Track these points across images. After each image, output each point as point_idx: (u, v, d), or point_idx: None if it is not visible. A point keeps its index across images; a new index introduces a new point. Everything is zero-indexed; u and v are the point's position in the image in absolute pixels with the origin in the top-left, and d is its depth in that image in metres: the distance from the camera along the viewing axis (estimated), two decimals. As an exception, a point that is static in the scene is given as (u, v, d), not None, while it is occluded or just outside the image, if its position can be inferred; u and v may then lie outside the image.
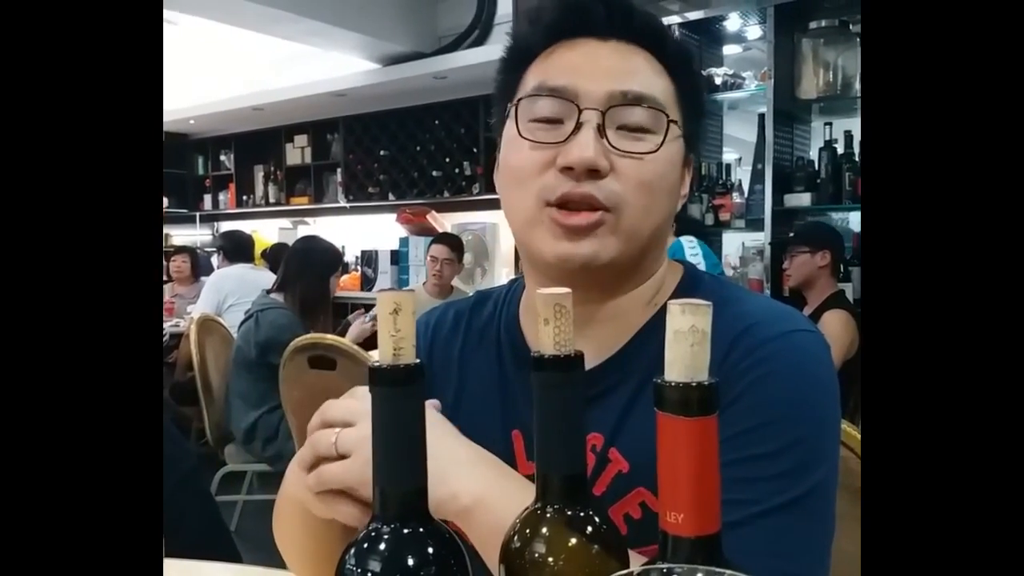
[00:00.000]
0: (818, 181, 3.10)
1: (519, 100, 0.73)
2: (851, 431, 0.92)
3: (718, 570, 0.37)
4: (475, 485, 0.60)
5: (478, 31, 4.64)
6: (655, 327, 0.75)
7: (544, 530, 0.45)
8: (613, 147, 0.69)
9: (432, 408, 0.66)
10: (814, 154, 3.23)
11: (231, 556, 1.48)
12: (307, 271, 2.87)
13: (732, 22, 3.36)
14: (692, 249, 2.74)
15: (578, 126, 0.69)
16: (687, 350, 0.38)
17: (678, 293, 0.77)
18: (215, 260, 4.82)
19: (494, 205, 5.10)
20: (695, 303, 0.39)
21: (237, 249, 4.13)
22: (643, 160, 0.70)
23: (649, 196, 0.71)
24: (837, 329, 2.50)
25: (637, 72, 0.72)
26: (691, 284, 0.78)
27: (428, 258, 3.72)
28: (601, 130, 0.69)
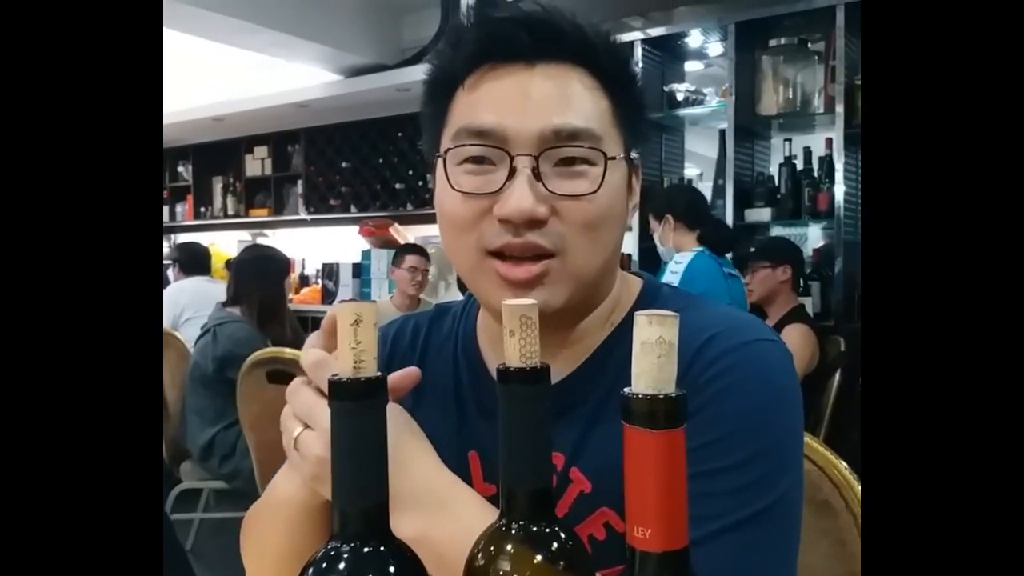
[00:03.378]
0: (778, 196, 3.15)
1: (447, 150, 0.69)
2: (814, 444, 0.92)
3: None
4: (416, 523, 0.58)
5: (432, 47, 4.64)
6: (613, 345, 0.74)
7: (509, 547, 0.44)
8: (551, 192, 0.66)
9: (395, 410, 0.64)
10: (774, 170, 3.29)
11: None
12: (260, 280, 2.83)
13: (694, 39, 3.42)
14: (676, 267, 2.57)
15: (512, 172, 0.66)
16: (654, 362, 0.38)
17: (636, 307, 0.75)
18: (170, 273, 4.72)
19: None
20: (662, 314, 0.38)
21: (193, 261, 4.05)
22: (584, 200, 0.67)
23: (595, 232, 0.68)
24: (798, 343, 2.53)
25: (569, 102, 0.67)
26: (650, 297, 0.77)
27: (406, 269, 3.59)
28: (536, 173, 0.66)
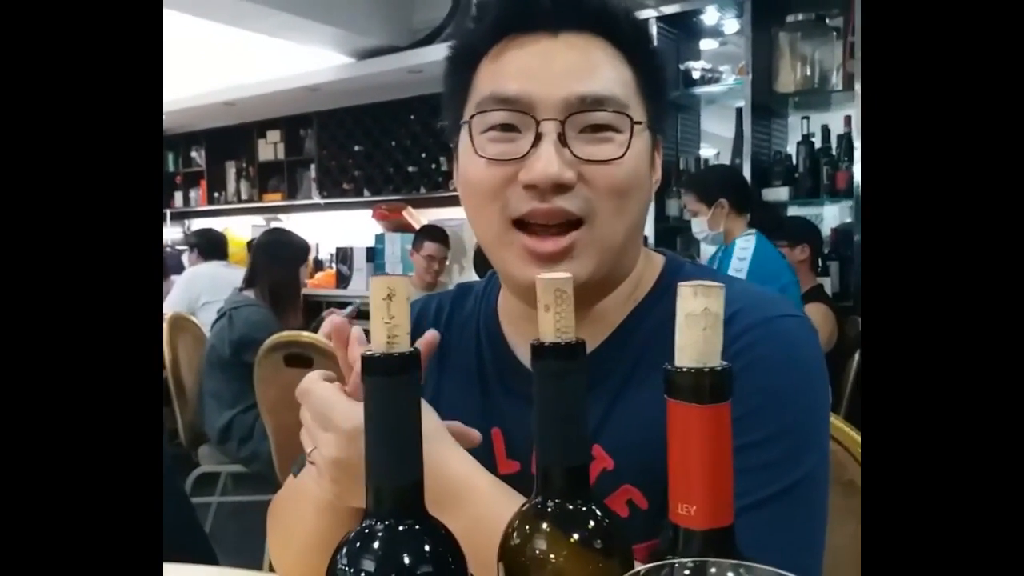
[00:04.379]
0: (796, 175, 3.12)
1: (472, 116, 0.69)
2: (839, 424, 0.91)
3: (731, 562, 0.36)
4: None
5: (453, 24, 4.61)
6: (635, 323, 0.73)
7: (545, 526, 0.43)
8: (577, 157, 0.66)
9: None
10: (792, 148, 3.25)
11: (207, 558, 1.45)
12: (275, 264, 2.84)
13: (709, 16, 3.38)
14: (743, 254, 2.48)
15: (537, 138, 0.66)
16: (699, 334, 0.37)
17: (659, 284, 0.75)
18: (186, 258, 4.74)
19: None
20: (708, 285, 0.37)
21: (211, 246, 4.08)
22: (611, 164, 0.67)
23: (621, 199, 0.68)
24: (818, 322, 2.51)
25: (594, 69, 0.68)
26: (672, 274, 0.76)
27: (423, 257, 3.62)
28: (562, 139, 0.66)
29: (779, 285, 2.37)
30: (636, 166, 0.69)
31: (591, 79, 0.67)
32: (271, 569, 0.78)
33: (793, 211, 3.29)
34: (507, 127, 0.67)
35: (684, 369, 0.36)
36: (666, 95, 0.77)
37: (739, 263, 2.42)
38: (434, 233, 3.69)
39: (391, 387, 0.40)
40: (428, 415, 0.63)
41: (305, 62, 5.13)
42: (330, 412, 0.59)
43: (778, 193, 3.13)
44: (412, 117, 5.49)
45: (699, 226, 2.66)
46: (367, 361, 0.40)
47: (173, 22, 4.27)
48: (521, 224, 0.68)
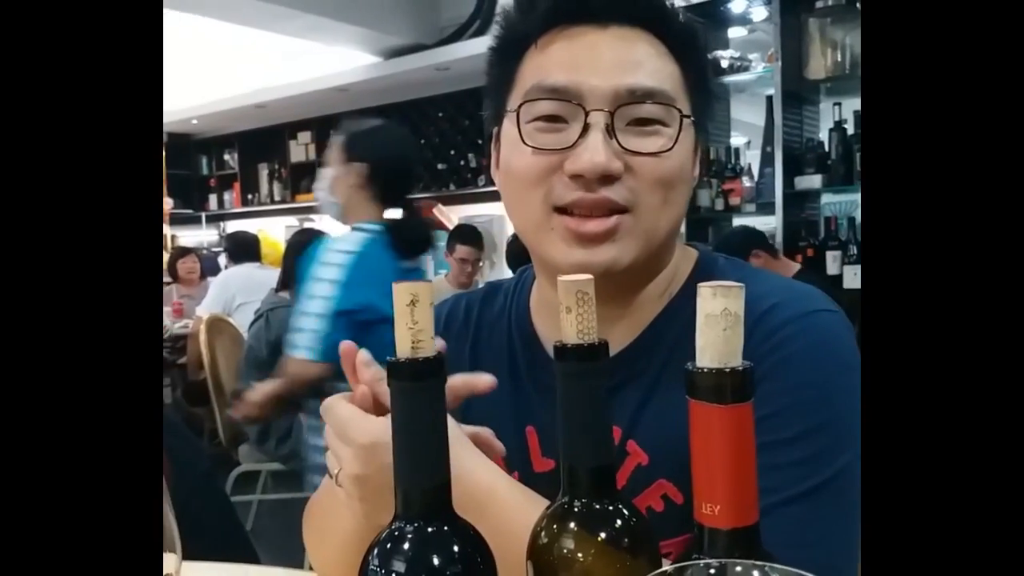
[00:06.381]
0: (829, 162, 3.07)
1: (520, 105, 0.69)
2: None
3: (757, 563, 0.36)
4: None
5: (480, 21, 4.61)
6: (670, 317, 0.73)
7: (572, 525, 0.43)
8: (625, 148, 0.66)
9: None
10: (824, 135, 3.20)
11: (249, 557, 1.47)
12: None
13: (737, 3, 3.33)
14: None
15: (585, 128, 0.66)
16: (720, 334, 0.37)
17: (693, 279, 0.75)
18: (222, 260, 4.82)
19: (500, 197, 5.07)
20: (727, 285, 0.37)
21: (241, 249, 4.14)
22: (659, 157, 0.67)
23: (666, 192, 0.68)
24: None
25: (643, 63, 0.68)
26: (706, 269, 0.76)
27: (456, 260, 3.65)
28: (610, 130, 0.66)
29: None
30: (682, 160, 0.69)
31: (640, 72, 0.67)
32: (312, 567, 0.80)
33: (827, 198, 3.24)
34: (554, 117, 0.68)
35: (705, 369, 0.36)
36: (712, 93, 0.76)
37: None
38: (466, 235, 3.68)
39: (417, 391, 0.41)
40: (448, 423, 0.64)
41: (334, 63, 5.18)
42: (347, 428, 0.60)
43: (811, 181, 3.09)
44: (440, 115, 5.52)
45: None
46: (392, 366, 0.41)
47: (202, 27, 4.33)
48: (563, 210, 0.68)
